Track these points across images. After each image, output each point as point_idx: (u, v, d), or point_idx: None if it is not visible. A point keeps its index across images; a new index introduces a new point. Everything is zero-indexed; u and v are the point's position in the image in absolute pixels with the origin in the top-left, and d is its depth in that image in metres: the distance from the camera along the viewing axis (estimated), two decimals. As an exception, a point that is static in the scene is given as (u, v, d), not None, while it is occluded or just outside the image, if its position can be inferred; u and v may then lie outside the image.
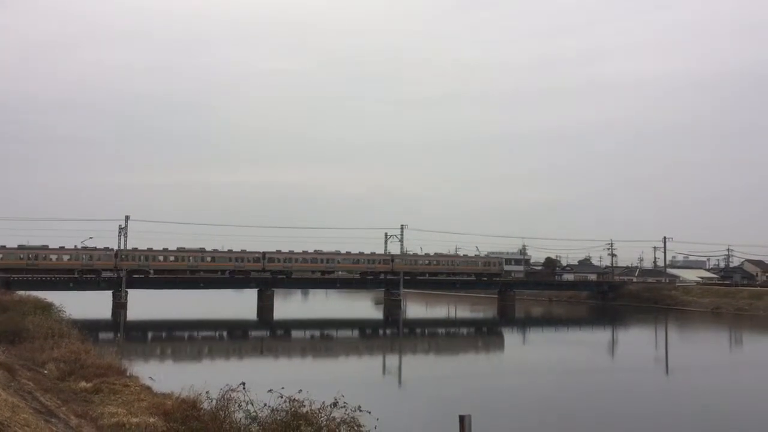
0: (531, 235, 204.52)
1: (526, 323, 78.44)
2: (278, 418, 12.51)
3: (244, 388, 13.26)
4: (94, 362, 20.74)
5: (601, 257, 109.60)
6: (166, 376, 21.48)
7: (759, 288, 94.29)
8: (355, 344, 52.83)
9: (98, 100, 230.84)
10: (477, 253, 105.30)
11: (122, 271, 76.02)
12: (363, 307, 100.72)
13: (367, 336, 59.46)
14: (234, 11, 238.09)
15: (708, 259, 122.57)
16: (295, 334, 58.06)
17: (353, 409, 12.91)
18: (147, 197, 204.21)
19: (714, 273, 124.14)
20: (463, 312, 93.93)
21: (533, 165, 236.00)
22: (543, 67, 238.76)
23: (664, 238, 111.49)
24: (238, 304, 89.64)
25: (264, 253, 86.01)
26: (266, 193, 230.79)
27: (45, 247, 79.45)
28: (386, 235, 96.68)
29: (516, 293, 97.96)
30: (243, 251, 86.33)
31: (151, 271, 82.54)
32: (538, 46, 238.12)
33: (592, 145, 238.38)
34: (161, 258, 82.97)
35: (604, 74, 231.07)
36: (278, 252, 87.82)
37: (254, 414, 12.85)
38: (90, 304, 63.81)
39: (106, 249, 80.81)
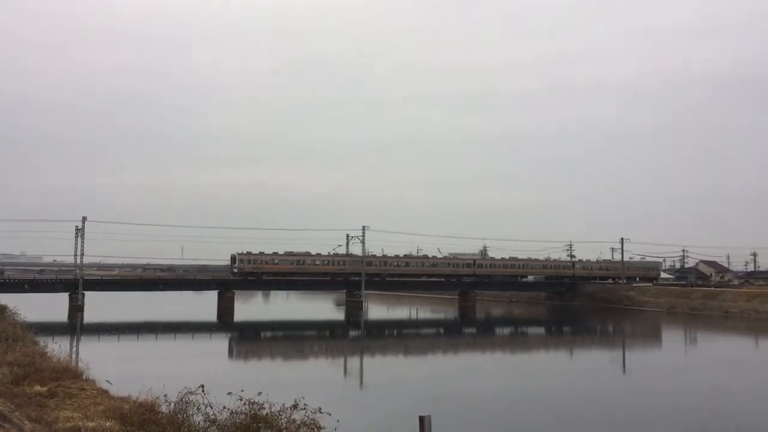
0: (493, 237, 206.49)
1: (486, 324, 79.01)
2: (237, 420, 12.44)
3: (203, 391, 13.14)
4: (50, 365, 20.33)
5: (560, 258, 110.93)
6: (123, 380, 21.14)
7: (712, 288, 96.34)
8: (317, 346, 52.66)
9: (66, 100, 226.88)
10: (437, 254, 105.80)
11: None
12: (325, 308, 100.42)
13: (329, 337, 59.31)
14: (205, 12, 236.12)
15: (664, 260, 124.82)
16: (256, 336, 57.59)
17: (313, 411, 12.89)
18: (112, 197, 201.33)
19: (670, 274, 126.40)
20: (425, 313, 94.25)
21: (498, 168, 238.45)
22: (515, 70, 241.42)
23: (622, 239, 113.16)
24: (198, 306, 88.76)
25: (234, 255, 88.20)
26: (232, 192, 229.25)
27: (308, 254, 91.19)
28: (348, 236, 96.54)
29: (477, 294, 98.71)
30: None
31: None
32: (511, 48, 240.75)
33: (557, 148, 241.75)
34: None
35: (572, 78, 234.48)
36: (248, 254, 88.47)
37: (213, 417, 12.76)
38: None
39: (352, 255, 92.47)
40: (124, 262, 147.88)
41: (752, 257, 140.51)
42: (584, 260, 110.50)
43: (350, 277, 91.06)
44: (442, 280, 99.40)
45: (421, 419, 12.47)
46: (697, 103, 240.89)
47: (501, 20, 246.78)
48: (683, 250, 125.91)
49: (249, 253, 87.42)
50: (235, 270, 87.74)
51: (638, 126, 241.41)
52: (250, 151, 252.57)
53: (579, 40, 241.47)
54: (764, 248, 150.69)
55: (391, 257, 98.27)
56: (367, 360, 43.93)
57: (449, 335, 64.74)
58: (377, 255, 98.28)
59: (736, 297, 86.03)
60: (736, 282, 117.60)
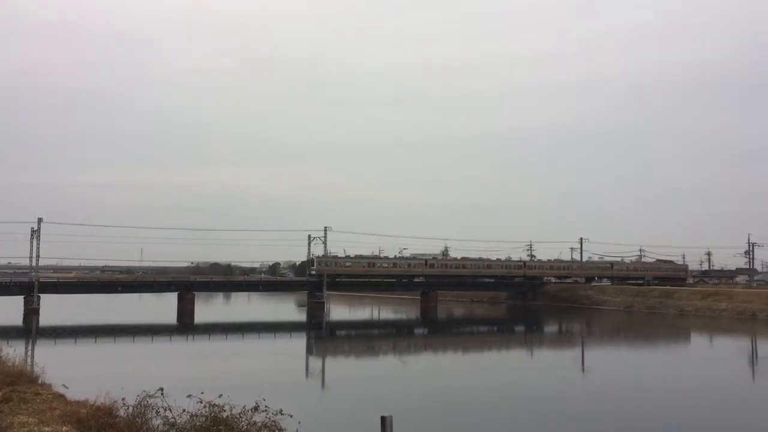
0: (454, 237, 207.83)
1: (448, 324, 79.45)
2: (197, 423, 12.32)
3: (162, 394, 13.00)
4: (4, 370, 19.93)
5: (521, 258, 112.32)
6: (81, 384, 20.81)
7: (669, 287, 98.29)
8: (278, 347, 52.38)
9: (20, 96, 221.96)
10: (399, 254, 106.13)
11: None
12: (286, 309, 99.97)
13: (290, 339, 59.03)
14: (163, 9, 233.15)
15: (622, 259, 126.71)
16: (217, 337, 57.09)
17: (275, 413, 12.84)
18: (69, 197, 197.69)
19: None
20: (387, 314, 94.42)
21: (459, 169, 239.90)
22: (477, 71, 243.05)
23: (581, 239, 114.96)
24: (158, 308, 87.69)
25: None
26: (192, 193, 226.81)
27: (377, 257, 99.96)
28: (309, 237, 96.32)
29: (438, 294, 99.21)
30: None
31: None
32: (471, 49, 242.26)
33: (518, 149, 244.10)
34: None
35: (533, 79, 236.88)
36: (325, 256, 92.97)
37: (173, 420, 12.63)
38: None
39: (416, 258, 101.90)
40: (82, 264, 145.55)
41: (707, 256, 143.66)
42: (607, 260, 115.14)
43: (414, 278, 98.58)
44: (422, 279, 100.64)
45: (383, 419, 12.49)
46: (658, 105, 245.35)
47: (461, 21, 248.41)
48: (640, 250, 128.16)
49: (325, 256, 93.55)
50: (313, 272, 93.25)
51: (598, 127, 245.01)
52: (212, 151, 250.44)
53: (540, 41, 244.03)
54: (718, 248, 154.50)
55: (445, 259, 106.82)
56: (329, 360, 43.85)
57: (410, 335, 64.98)
58: (438, 257, 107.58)
59: (691, 295, 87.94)
60: (691, 281, 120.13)
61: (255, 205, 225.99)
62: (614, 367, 41.25)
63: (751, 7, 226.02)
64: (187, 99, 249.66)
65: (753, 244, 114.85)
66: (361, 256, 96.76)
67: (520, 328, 73.94)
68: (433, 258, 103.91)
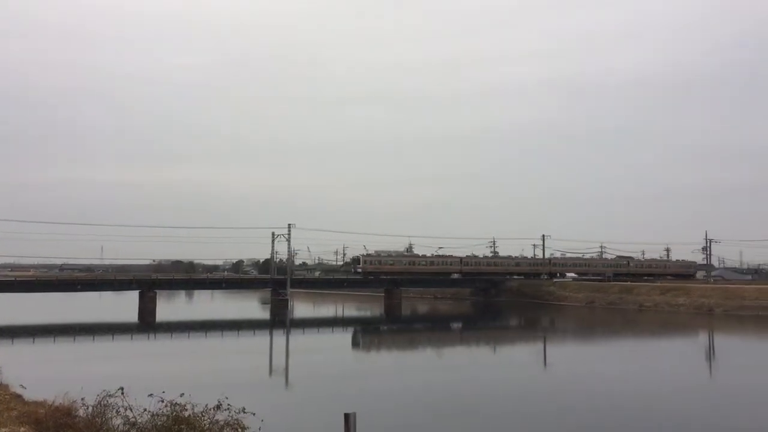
0: (419, 234, 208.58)
1: (412, 320, 79.72)
2: (158, 422, 12.20)
3: (122, 394, 12.85)
4: (-42, 371, 19.49)
5: (483, 255, 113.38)
6: (39, 384, 20.47)
7: (628, 283, 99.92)
8: (241, 345, 52.05)
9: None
10: (364, 252, 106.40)
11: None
12: (250, 307, 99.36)
13: (254, 336, 58.69)
14: (135, 5, 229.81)
15: (583, 255, 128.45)
16: (179, 336, 56.51)
17: (237, 411, 12.76)
18: (28, 195, 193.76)
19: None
20: (351, 311, 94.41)
21: (424, 167, 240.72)
22: (443, 69, 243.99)
23: (543, 235, 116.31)
24: (119, 306, 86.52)
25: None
26: (159, 191, 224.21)
27: (416, 255, 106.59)
28: (273, 234, 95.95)
29: (402, 291, 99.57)
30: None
31: None
32: (437, 48, 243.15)
33: (484, 148, 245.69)
34: None
35: (498, 78, 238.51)
36: (370, 255, 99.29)
37: (133, 419, 12.48)
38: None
39: (452, 256, 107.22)
40: (40, 263, 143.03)
41: (665, 252, 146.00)
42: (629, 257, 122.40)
43: (451, 275, 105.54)
44: (459, 276, 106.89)
45: (347, 416, 12.52)
46: (622, 104, 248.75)
47: (428, 19, 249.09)
48: (601, 246, 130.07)
49: (370, 255, 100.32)
50: (359, 269, 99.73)
51: (562, 127, 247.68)
52: (178, 149, 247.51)
53: (519, 40, 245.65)
54: (677, 244, 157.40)
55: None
56: (293, 358, 43.69)
57: (375, 332, 65.03)
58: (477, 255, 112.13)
59: (650, 291, 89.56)
60: (699, 276, 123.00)
61: (223, 203, 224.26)
62: (575, 362, 41.81)
63: (722, 10, 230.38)
64: (155, 95, 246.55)
65: (710, 240, 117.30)
66: (402, 255, 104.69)
67: (483, 324, 74.49)
68: (467, 256, 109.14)
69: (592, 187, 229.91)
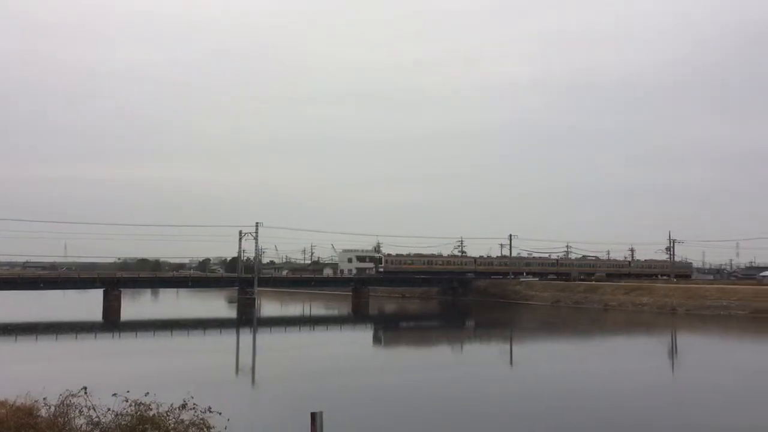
0: (387, 234, 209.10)
1: (379, 319, 79.82)
2: (123, 422, 12.04)
3: (86, 393, 12.66)
4: None
5: (497, 255, 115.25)
6: (-1, 384, 20.11)
7: (593, 282, 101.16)
8: (208, 344, 51.68)
9: None
10: (332, 251, 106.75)
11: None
12: (216, 306, 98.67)
13: (220, 335, 58.31)
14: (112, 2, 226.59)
15: (549, 255, 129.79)
16: (144, 335, 55.91)
17: (203, 411, 12.64)
18: None
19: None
20: (318, 310, 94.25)
21: (398, 168, 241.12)
22: (418, 69, 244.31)
23: (510, 235, 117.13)
24: (83, 305, 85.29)
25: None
26: (124, 188, 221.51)
27: (434, 255, 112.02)
28: (240, 232, 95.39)
29: (370, 290, 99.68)
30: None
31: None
32: (413, 48, 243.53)
33: (457, 148, 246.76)
34: None
35: (475, 78, 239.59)
36: (390, 255, 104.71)
37: (97, 419, 12.32)
38: None
39: (465, 256, 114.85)
40: (2, 261, 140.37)
41: (630, 252, 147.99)
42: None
43: (465, 274, 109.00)
44: (473, 276, 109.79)
45: (313, 416, 12.48)
46: (594, 105, 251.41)
47: (403, 19, 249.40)
48: (567, 246, 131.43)
49: (390, 255, 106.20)
50: (381, 269, 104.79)
51: (531, 127, 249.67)
52: (143, 145, 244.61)
53: (491, 41, 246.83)
54: (642, 244, 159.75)
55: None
56: (260, 357, 43.49)
57: (342, 330, 64.94)
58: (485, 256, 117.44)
59: (615, 290, 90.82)
60: (695, 276, 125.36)
61: (190, 201, 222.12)
62: (540, 361, 42.21)
63: (693, 13, 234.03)
64: (119, 91, 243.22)
65: (674, 240, 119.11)
66: (421, 255, 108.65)
67: (451, 323, 74.83)
68: (480, 257, 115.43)
69: (559, 188, 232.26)
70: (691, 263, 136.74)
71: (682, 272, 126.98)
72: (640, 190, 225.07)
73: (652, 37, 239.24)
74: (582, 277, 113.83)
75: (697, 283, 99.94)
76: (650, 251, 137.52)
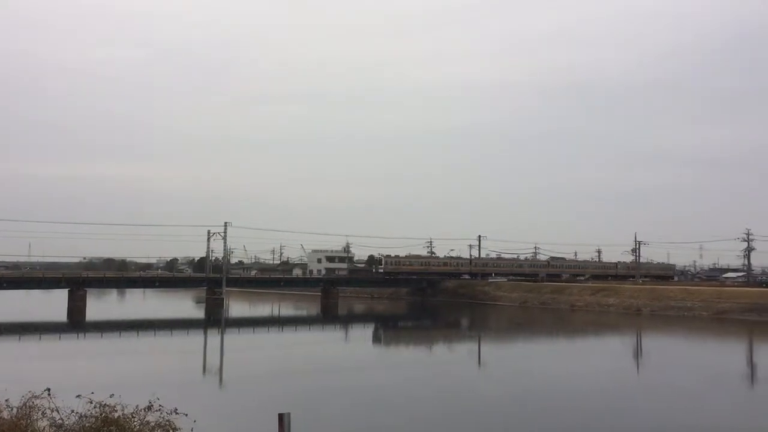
0: (355, 234, 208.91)
1: (348, 319, 79.76)
2: (87, 424, 11.90)
3: (49, 395, 12.49)
4: None
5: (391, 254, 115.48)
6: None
7: (560, 283, 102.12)
8: (175, 345, 51.21)
9: None
10: (302, 251, 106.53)
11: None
12: (184, 306, 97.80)
13: (188, 336, 57.82)
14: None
15: (518, 256, 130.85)
16: (110, 335, 55.22)
17: (169, 412, 12.53)
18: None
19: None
20: (287, 310, 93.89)
21: (365, 167, 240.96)
22: (385, 69, 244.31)
23: (479, 236, 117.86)
24: (47, 305, 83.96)
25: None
26: (91, 186, 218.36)
27: (430, 256, 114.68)
28: (209, 232, 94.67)
29: (339, 290, 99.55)
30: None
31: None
32: (380, 47, 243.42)
33: (422, 149, 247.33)
34: None
35: (439, 79, 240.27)
36: (389, 256, 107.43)
37: (60, 421, 12.16)
38: None
39: (461, 257, 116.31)
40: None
41: (597, 253, 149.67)
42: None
43: (462, 275, 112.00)
44: (468, 277, 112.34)
45: (281, 417, 12.45)
46: (559, 107, 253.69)
47: (370, 18, 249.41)
48: (535, 247, 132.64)
49: (389, 256, 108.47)
50: (381, 270, 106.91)
51: (503, 129, 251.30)
52: (112, 143, 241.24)
53: (446, 42, 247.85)
54: (608, 246, 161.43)
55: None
56: (227, 358, 43.20)
57: (311, 331, 64.78)
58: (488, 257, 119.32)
59: (582, 291, 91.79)
60: (583, 277, 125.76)
61: (158, 200, 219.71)
62: (508, 360, 42.54)
63: (652, 18, 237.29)
64: (84, 87, 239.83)
65: (639, 242, 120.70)
66: (418, 256, 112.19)
67: (420, 323, 75.07)
68: (476, 258, 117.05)
69: (524, 190, 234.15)
70: (673, 265, 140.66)
71: (665, 274, 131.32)
72: (608, 192, 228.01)
73: (621, 41, 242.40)
74: (548, 277, 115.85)
75: (660, 284, 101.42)
76: (616, 253, 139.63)
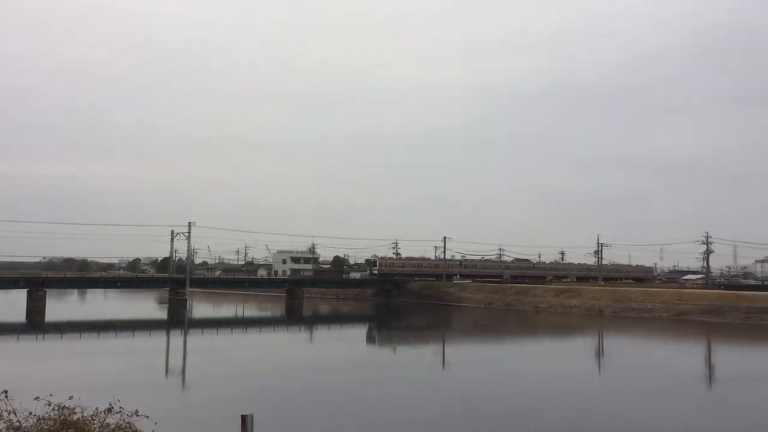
0: (320, 234, 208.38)
1: (313, 320, 79.51)
2: (45, 427, 11.68)
3: (6, 396, 12.24)
4: None
5: (387, 256, 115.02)
6: None
7: (524, 285, 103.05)
8: (136, 346, 50.54)
9: None
10: (267, 252, 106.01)
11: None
12: (146, 307, 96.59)
13: (150, 337, 57.12)
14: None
15: (483, 257, 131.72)
16: (70, 336, 54.31)
17: (130, 414, 12.36)
18: None
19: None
20: (252, 311, 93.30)
21: (329, 168, 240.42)
22: (346, 69, 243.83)
23: (444, 237, 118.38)
24: (4, 306, 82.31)
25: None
26: (53, 185, 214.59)
27: (423, 258, 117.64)
28: (173, 232, 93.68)
29: (304, 291, 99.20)
30: None
31: None
32: (341, 48, 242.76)
33: (386, 148, 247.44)
34: None
35: (395, 81, 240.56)
36: (384, 258, 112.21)
37: (18, 424, 11.92)
38: None
39: (452, 259, 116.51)
40: None
41: (560, 255, 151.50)
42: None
43: (453, 277, 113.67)
44: (459, 279, 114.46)
45: (243, 418, 12.38)
46: (518, 112, 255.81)
47: (328, 17, 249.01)
48: (500, 249, 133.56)
49: (384, 258, 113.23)
50: (376, 271, 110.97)
51: (457, 131, 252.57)
52: (69, 142, 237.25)
53: (403, 45, 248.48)
54: (570, 247, 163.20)
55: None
56: (190, 359, 42.77)
57: (275, 332, 64.44)
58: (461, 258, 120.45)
59: (545, 293, 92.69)
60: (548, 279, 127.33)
61: (121, 200, 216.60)
62: (472, 362, 42.78)
63: (607, 22, 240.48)
64: (48, 84, 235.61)
65: (602, 244, 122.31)
66: (411, 258, 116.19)
67: (384, 324, 75.11)
68: (465, 259, 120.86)
69: (487, 192, 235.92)
70: (652, 267, 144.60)
71: (644, 276, 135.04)
72: (572, 195, 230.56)
73: (588, 46, 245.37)
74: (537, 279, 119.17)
75: (622, 286, 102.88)
76: (579, 254, 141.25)
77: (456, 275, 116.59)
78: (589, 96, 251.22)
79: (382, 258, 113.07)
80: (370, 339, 59.48)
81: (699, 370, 40.51)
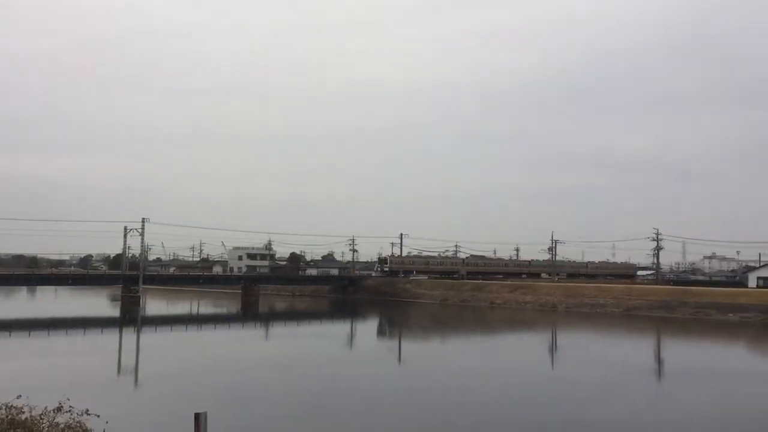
0: (276, 231, 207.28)
1: (269, 317, 79.13)
2: (-8, 427, 11.48)
3: (-49, 397, 11.99)
4: None
5: (343, 253, 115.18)
6: None
7: (480, 281, 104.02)
8: (87, 344, 49.67)
9: None
10: (223, 249, 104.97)
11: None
12: (98, 304, 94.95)
13: (102, 335, 56.18)
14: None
15: (439, 254, 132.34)
16: (18, 335, 53.11)
17: (80, 413, 12.21)
18: None
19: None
20: (207, 308, 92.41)
21: (287, 165, 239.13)
22: (313, 67, 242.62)
23: (401, 234, 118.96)
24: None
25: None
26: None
27: (430, 256, 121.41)
28: (126, 228, 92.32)
29: (260, 288, 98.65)
30: None
31: None
32: (306, 46, 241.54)
33: (343, 147, 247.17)
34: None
35: (360, 79, 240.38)
36: (393, 255, 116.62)
37: (-37, 425, 11.68)
38: None
39: (457, 257, 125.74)
40: None
41: (515, 252, 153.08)
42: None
43: (454, 274, 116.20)
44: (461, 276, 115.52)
45: (197, 416, 12.28)
46: (474, 110, 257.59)
47: (306, 18, 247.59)
48: (456, 245, 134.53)
49: (393, 255, 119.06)
50: (386, 269, 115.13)
51: (420, 129, 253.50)
52: (19, 137, 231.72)
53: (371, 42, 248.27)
54: (526, 244, 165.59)
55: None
56: (143, 356, 42.21)
57: (231, 329, 63.97)
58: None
59: (500, 289, 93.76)
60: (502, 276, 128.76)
61: (71, 195, 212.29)
62: (426, 358, 43.08)
63: (571, 21, 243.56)
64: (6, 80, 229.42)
65: (556, 241, 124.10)
66: (419, 256, 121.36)
67: (340, 321, 75.08)
68: (468, 257, 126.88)
69: (443, 190, 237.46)
70: (635, 265, 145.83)
71: (626, 273, 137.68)
72: (526, 193, 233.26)
73: (551, 46, 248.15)
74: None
75: (575, 282, 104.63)
76: (534, 251, 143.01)
77: (458, 273, 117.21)
78: (561, 95, 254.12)
79: (391, 256, 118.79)
80: (325, 335, 59.39)
81: (648, 364, 41.43)
